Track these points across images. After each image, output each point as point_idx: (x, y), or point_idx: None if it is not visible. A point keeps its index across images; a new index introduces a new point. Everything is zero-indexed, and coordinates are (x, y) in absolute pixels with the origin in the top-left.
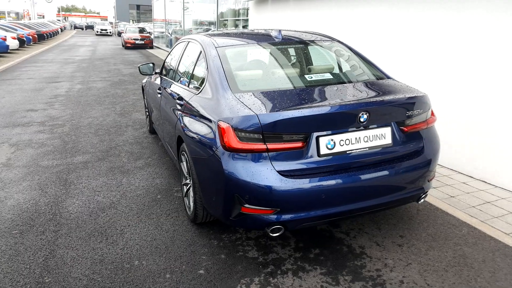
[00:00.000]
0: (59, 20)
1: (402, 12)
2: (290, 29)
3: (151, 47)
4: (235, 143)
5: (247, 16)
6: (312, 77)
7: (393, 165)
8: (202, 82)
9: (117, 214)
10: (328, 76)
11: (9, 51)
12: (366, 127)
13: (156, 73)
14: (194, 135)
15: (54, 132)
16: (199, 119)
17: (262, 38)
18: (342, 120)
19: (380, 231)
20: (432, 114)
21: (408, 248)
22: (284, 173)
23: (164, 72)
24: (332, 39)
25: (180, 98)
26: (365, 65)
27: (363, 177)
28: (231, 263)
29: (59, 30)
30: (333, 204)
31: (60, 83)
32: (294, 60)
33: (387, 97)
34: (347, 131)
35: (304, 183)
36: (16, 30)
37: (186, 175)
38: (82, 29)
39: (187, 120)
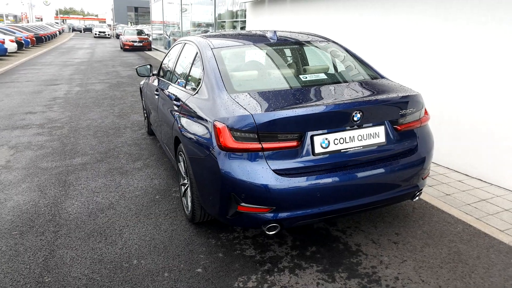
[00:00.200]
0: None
1: (394, 18)
2: (286, 30)
3: (150, 49)
4: (230, 142)
5: (245, 18)
6: (307, 77)
7: (387, 163)
8: (199, 83)
9: (116, 215)
10: (322, 76)
11: (7, 54)
12: (360, 126)
13: (153, 74)
14: (191, 136)
15: (53, 134)
16: (196, 120)
17: (257, 39)
18: (336, 119)
19: (376, 228)
20: (426, 112)
21: (404, 245)
22: (279, 172)
23: (161, 73)
24: (328, 39)
25: (177, 99)
26: (360, 65)
27: (358, 175)
28: (229, 262)
29: (57, 32)
30: (328, 202)
31: (58, 86)
32: (289, 61)
33: (380, 96)
34: (341, 130)
35: (299, 182)
36: (14, 33)
37: (183, 175)
38: (81, 31)
39: (184, 121)
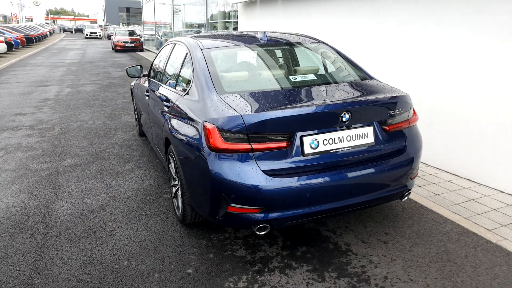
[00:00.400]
0: (47, 23)
1: (386, 23)
2: (276, 31)
3: (141, 50)
4: (220, 143)
5: (237, 19)
6: (296, 78)
7: (376, 163)
8: (189, 84)
9: (106, 216)
10: (312, 77)
11: None
12: (348, 127)
13: (144, 75)
14: (181, 137)
15: (43, 136)
16: (186, 121)
17: (247, 39)
18: (325, 120)
19: (366, 228)
20: (414, 113)
21: (393, 245)
22: (269, 173)
23: (152, 74)
24: (318, 40)
25: (167, 100)
26: (349, 66)
27: (347, 175)
28: (220, 262)
29: (48, 33)
30: (317, 202)
31: (49, 87)
32: (280, 62)
33: (369, 97)
34: (331, 131)
35: (289, 182)
36: (3, 33)
37: (174, 176)
38: (72, 32)
39: (174, 122)
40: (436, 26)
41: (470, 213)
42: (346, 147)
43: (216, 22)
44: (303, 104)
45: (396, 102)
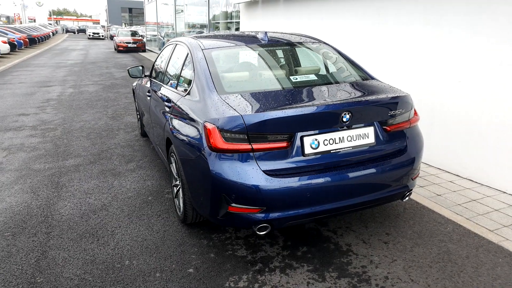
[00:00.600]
0: (50, 24)
1: (386, 24)
2: (277, 31)
3: (144, 50)
4: (220, 143)
5: (239, 19)
6: (297, 78)
7: (377, 164)
8: (189, 84)
9: (108, 216)
10: (313, 77)
11: (0, 55)
12: (349, 127)
13: (145, 76)
14: (182, 137)
15: (46, 136)
16: (187, 121)
17: (248, 40)
18: (326, 120)
19: (367, 229)
20: (415, 113)
21: (394, 245)
22: (269, 173)
23: (153, 74)
24: (319, 41)
25: (168, 100)
26: (350, 66)
27: (348, 176)
28: (220, 262)
29: (51, 34)
30: (318, 202)
31: (52, 87)
32: (280, 62)
33: (369, 97)
34: (331, 131)
35: (289, 182)
36: (7, 34)
37: (175, 176)
38: (74, 32)
39: (175, 122)
40: (437, 26)
41: (472, 213)
42: (346, 147)
43: (218, 23)
44: (304, 104)
45: (397, 102)
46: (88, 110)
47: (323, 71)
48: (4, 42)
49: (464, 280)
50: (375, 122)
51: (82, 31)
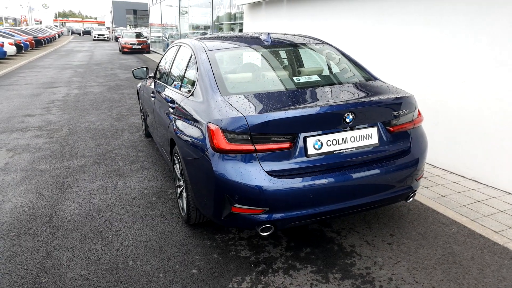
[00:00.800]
0: (56, 26)
1: (390, 25)
2: (281, 32)
3: (148, 52)
4: (224, 144)
5: (243, 20)
6: (300, 79)
7: (381, 164)
8: (193, 85)
9: (112, 216)
10: (316, 78)
11: (6, 57)
12: (352, 128)
13: (150, 77)
14: (186, 138)
15: (51, 137)
16: (190, 122)
17: (252, 41)
18: (329, 120)
19: (371, 230)
20: (419, 114)
21: (398, 247)
22: (272, 173)
23: (157, 76)
24: (322, 41)
25: (172, 101)
26: (354, 67)
27: (351, 176)
28: (224, 263)
29: (57, 35)
30: (321, 203)
31: (57, 88)
32: (284, 63)
33: (372, 98)
34: (334, 132)
35: (292, 183)
36: (13, 36)
37: (179, 177)
38: (80, 34)
39: (179, 123)
40: (440, 26)
41: (477, 214)
42: (350, 148)
43: (222, 24)
44: (306, 105)
45: (400, 103)
46: (93, 111)
47: (326, 72)
48: (11, 44)
49: (469, 282)
50: (378, 123)
51: (87, 32)
